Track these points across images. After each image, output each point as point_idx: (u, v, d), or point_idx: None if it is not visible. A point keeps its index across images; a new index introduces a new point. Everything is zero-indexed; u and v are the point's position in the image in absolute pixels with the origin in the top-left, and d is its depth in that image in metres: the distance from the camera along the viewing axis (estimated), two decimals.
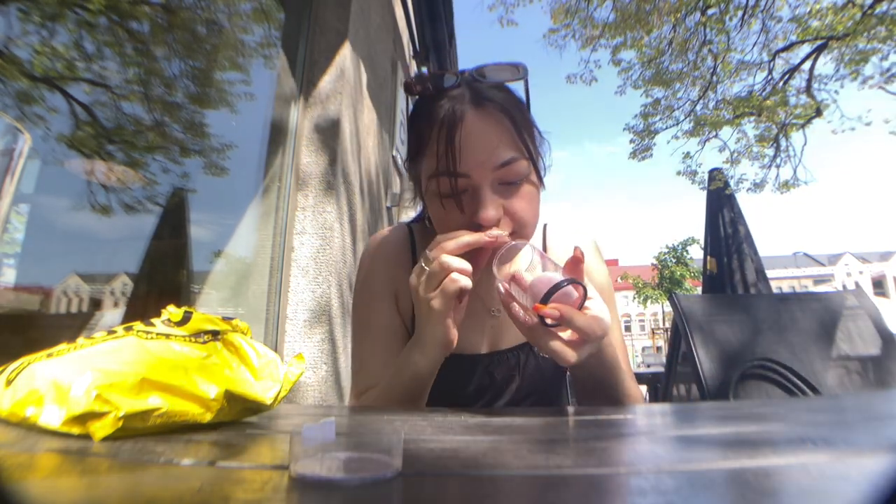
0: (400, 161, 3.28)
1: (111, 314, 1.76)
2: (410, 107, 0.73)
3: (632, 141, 7.63)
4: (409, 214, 2.82)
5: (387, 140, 3.02)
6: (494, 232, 0.60)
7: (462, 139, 0.62)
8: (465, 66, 0.78)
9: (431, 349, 0.62)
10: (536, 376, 0.79)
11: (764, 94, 6.58)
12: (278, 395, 0.48)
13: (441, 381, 0.72)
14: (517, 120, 0.66)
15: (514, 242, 0.59)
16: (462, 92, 0.66)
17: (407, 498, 0.23)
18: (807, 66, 6.46)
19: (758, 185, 7.28)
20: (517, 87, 0.70)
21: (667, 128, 7.43)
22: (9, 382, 0.43)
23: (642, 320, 49.57)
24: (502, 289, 0.57)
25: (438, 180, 0.64)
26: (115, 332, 0.46)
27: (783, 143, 6.91)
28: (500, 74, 0.68)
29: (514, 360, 0.79)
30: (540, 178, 0.70)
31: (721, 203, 4.27)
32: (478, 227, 0.62)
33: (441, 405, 0.77)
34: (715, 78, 6.82)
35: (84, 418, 0.37)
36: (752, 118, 6.80)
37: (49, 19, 1.53)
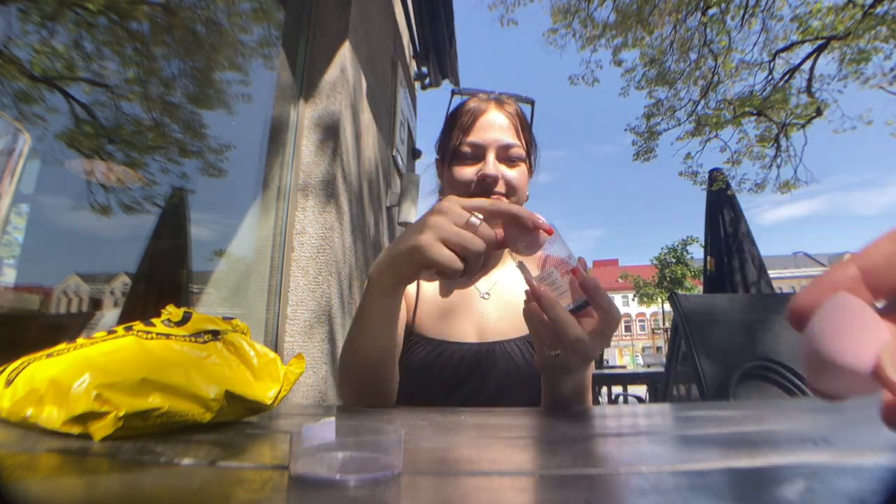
0: (400, 161, 3.28)
1: (111, 314, 1.76)
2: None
3: (634, 142, 7.64)
4: (410, 213, 2.82)
5: (387, 140, 3.01)
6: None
7: (483, 121, 0.88)
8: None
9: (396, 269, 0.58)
10: (524, 370, 0.81)
11: (765, 94, 6.59)
12: (278, 395, 0.48)
13: (424, 366, 0.81)
14: (522, 123, 0.91)
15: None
16: (488, 97, 0.93)
17: (407, 498, 0.23)
18: (807, 66, 6.46)
19: (758, 185, 7.29)
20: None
21: (669, 128, 7.43)
22: (9, 382, 0.43)
23: (642, 320, 49.52)
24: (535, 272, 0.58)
25: (463, 144, 0.87)
26: (115, 332, 0.46)
27: (783, 143, 6.92)
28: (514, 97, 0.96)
29: (501, 351, 0.82)
30: (531, 168, 0.93)
31: (721, 203, 4.26)
32: (482, 185, 0.82)
33: (421, 390, 0.82)
34: (716, 78, 6.83)
35: (84, 418, 0.37)
36: (753, 118, 6.81)
37: (49, 19, 1.53)
